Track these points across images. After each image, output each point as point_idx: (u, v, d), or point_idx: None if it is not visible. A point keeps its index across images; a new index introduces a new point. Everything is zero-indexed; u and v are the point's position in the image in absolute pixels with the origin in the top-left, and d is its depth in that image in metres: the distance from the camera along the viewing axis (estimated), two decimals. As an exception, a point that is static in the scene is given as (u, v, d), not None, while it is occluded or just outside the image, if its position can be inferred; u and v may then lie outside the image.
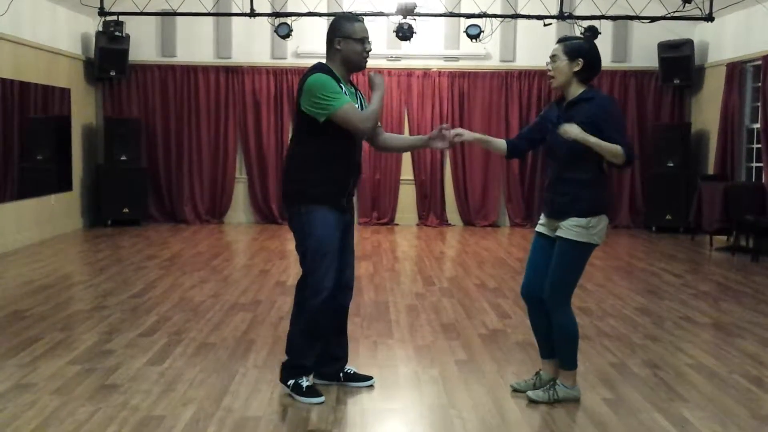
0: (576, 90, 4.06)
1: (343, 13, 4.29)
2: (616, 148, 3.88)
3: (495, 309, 6.38)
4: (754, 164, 10.38)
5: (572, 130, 3.88)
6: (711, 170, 10.96)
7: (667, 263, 8.80)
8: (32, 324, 5.65)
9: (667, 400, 4.21)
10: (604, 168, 4.06)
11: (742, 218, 9.26)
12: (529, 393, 4.16)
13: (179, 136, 11.92)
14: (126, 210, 11.36)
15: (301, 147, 4.17)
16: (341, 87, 4.07)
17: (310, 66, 4.19)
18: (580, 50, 4.02)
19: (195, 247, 9.61)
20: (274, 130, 11.95)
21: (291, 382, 4.17)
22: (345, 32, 4.11)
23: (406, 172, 12.08)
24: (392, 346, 5.23)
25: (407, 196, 12.13)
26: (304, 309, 4.15)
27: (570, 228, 3.99)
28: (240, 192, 12.17)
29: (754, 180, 10.31)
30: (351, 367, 4.45)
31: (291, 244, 10.15)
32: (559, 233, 4.05)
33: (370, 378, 4.43)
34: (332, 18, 4.18)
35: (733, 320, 6.08)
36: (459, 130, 4.28)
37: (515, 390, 4.28)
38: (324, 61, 4.16)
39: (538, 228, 4.25)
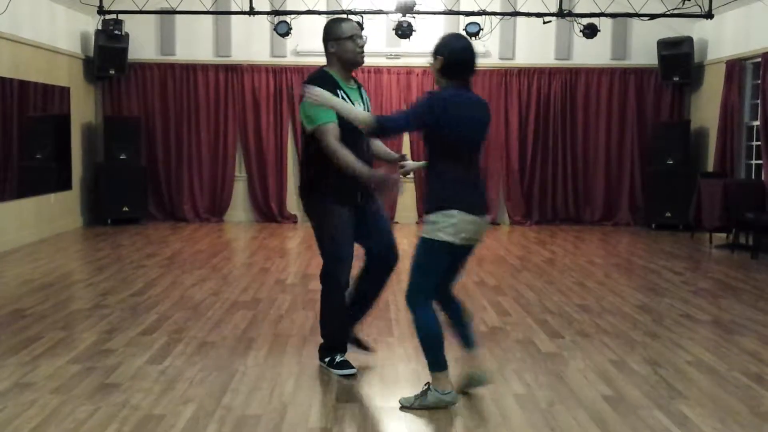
0: (443, 87, 4.05)
1: (333, 16, 4.47)
2: (366, 115, 3.98)
3: (494, 307, 6.38)
4: (754, 161, 10.38)
5: (313, 92, 4.00)
6: (711, 167, 10.96)
7: (667, 260, 8.80)
8: (32, 323, 5.66)
9: (667, 398, 4.21)
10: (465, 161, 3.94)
11: (742, 215, 9.26)
12: (401, 399, 4.06)
13: (179, 134, 11.92)
14: (126, 208, 11.37)
15: (309, 146, 4.38)
16: (339, 92, 4.23)
17: (313, 70, 4.34)
18: (439, 48, 4.03)
19: (195, 246, 9.61)
20: (274, 128, 11.94)
21: (326, 359, 4.60)
22: (335, 34, 4.36)
23: (406, 170, 12.05)
24: (392, 345, 5.23)
25: (407, 194, 12.11)
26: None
27: (424, 223, 4.00)
28: (240, 190, 12.17)
29: (753, 177, 10.31)
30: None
31: (291, 242, 10.20)
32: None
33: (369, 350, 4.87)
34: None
35: (733, 317, 6.08)
36: (406, 164, 4.56)
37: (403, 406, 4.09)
38: (325, 64, 4.40)
39: None
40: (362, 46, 4.34)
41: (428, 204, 3.97)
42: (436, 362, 3.99)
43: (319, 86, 4.07)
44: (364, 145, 4.36)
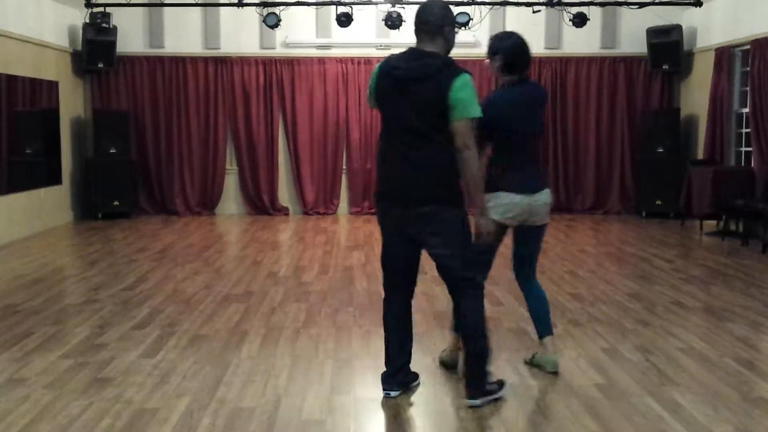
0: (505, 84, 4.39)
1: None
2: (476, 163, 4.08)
3: (488, 297, 6.31)
4: (743, 149, 10.42)
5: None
6: (700, 155, 11.00)
7: (658, 248, 8.84)
8: (24, 318, 5.64)
9: (658, 385, 4.24)
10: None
11: (732, 203, 9.30)
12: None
13: (169, 127, 11.88)
14: (116, 203, 11.34)
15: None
16: None
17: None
18: (495, 48, 4.31)
19: (186, 239, 9.59)
20: (264, 120, 11.91)
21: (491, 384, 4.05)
22: (452, 19, 3.98)
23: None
24: (385, 335, 5.23)
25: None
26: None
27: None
28: (231, 183, 12.15)
29: (743, 164, 10.35)
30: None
31: (283, 235, 10.20)
32: None
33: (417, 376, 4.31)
34: (436, 3, 3.94)
35: (724, 304, 6.11)
36: None
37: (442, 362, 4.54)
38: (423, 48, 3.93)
39: None
40: None
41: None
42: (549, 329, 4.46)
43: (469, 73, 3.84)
44: None
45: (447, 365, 4.51)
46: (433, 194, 3.82)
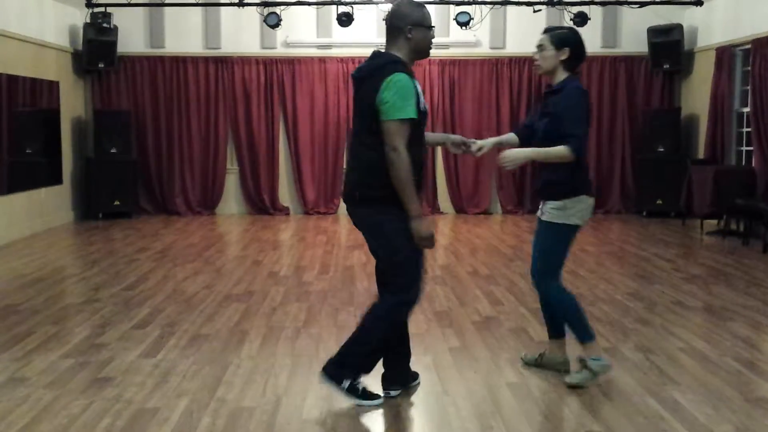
0: (560, 78, 4.20)
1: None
2: (560, 150, 4.00)
3: (488, 296, 6.40)
4: (744, 148, 10.41)
5: (512, 159, 4.04)
6: (701, 154, 10.99)
7: (658, 248, 8.83)
8: (25, 318, 5.64)
9: (659, 384, 4.23)
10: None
11: (733, 202, 9.29)
12: (567, 379, 4.20)
13: (169, 127, 11.88)
14: (117, 202, 11.34)
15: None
16: (417, 84, 3.79)
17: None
18: (567, 40, 4.17)
19: (187, 239, 9.59)
20: (265, 120, 11.91)
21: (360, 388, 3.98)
22: (418, 20, 3.84)
23: (398, 160, 12.04)
24: (385, 335, 5.23)
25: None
26: None
27: (548, 211, 4.16)
28: (231, 183, 12.15)
29: (744, 164, 10.35)
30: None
31: (283, 235, 10.20)
32: (539, 215, 4.24)
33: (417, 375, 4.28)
34: (403, 3, 3.89)
35: (725, 304, 6.11)
36: (479, 143, 4.23)
37: (524, 362, 4.52)
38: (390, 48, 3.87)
39: (538, 212, 4.39)
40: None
41: (551, 191, 4.13)
42: (586, 332, 4.20)
43: (408, 73, 3.73)
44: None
45: (545, 367, 4.44)
46: (361, 195, 3.84)
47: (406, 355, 4.16)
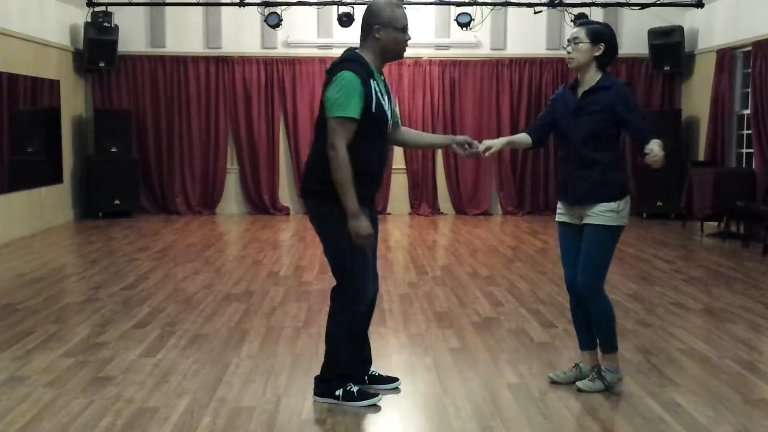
0: (593, 75, 4.02)
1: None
2: (661, 144, 3.83)
3: (487, 297, 6.40)
4: (744, 150, 10.42)
5: (660, 156, 3.77)
6: (701, 156, 10.99)
7: (659, 249, 8.84)
8: (25, 317, 5.64)
9: (659, 386, 4.23)
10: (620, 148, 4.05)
11: (733, 204, 9.30)
12: (579, 384, 4.12)
13: (170, 127, 11.89)
14: (117, 202, 11.34)
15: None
16: (373, 82, 3.73)
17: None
18: (603, 35, 4.00)
19: (187, 239, 9.60)
20: (265, 120, 11.92)
21: (338, 392, 3.96)
22: (387, 20, 3.76)
23: (398, 161, 12.07)
24: (385, 335, 5.24)
25: (399, 186, 12.13)
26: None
27: (600, 213, 3.96)
28: (231, 183, 12.15)
29: (744, 166, 10.35)
30: (375, 369, 4.28)
31: (283, 234, 10.20)
32: (588, 220, 4.00)
33: (395, 380, 4.22)
34: (375, 3, 3.83)
35: (725, 305, 6.11)
36: (487, 143, 4.04)
37: (554, 382, 4.24)
38: (357, 49, 3.85)
39: (560, 218, 4.19)
40: (408, 40, 3.85)
41: (603, 193, 3.96)
42: (612, 343, 4.14)
43: (356, 72, 3.67)
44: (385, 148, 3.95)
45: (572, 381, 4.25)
46: (308, 188, 3.88)
47: (363, 362, 4.12)
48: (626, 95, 3.97)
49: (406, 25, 3.82)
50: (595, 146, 3.95)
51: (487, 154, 4.02)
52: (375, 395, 3.98)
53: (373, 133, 3.77)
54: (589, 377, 4.15)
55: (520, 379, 4.33)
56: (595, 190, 3.97)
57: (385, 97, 3.84)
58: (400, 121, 4.12)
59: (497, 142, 4.09)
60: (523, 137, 4.25)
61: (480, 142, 4.05)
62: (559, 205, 4.22)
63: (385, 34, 3.77)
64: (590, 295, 4.07)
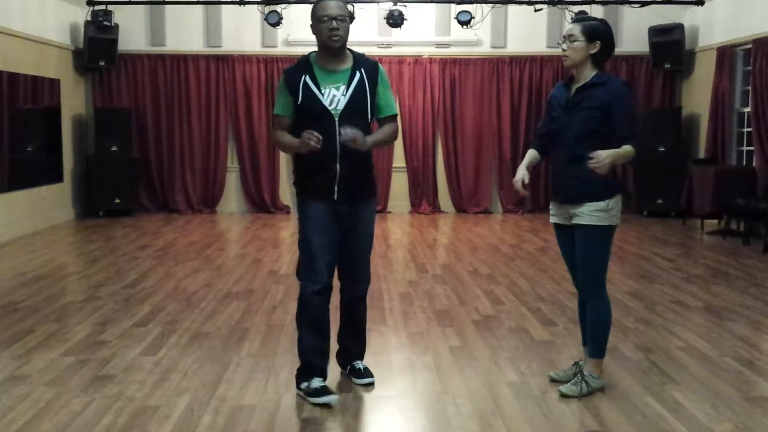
0: (588, 73, 3.97)
1: None
2: (628, 150, 3.82)
3: (488, 295, 6.40)
4: (745, 148, 10.42)
5: (604, 163, 3.72)
6: (702, 154, 10.99)
7: (659, 247, 8.84)
8: (25, 315, 5.65)
9: (659, 384, 4.23)
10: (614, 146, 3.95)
11: (733, 202, 9.30)
12: (561, 388, 4.08)
13: (170, 125, 11.89)
14: (118, 200, 11.34)
15: None
16: (305, 76, 3.94)
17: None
18: (598, 32, 3.94)
19: (188, 237, 9.60)
20: (266, 118, 11.91)
21: (303, 384, 4.00)
22: (312, 15, 3.99)
23: (398, 159, 12.07)
24: (386, 334, 5.24)
25: (399, 184, 12.13)
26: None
27: (589, 213, 3.92)
28: (232, 181, 12.15)
29: (744, 163, 10.35)
30: (362, 363, 4.31)
31: (283, 233, 10.20)
32: (577, 220, 3.97)
33: (370, 377, 4.25)
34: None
35: (725, 303, 6.11)
36: (522, 178, 4.04)
37: (553, 380, 4.23)
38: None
39: (552, 219, 4.17)
40: (334, 30, 3.89)
41: (593, 191, 3.91)
42: (602, 348, 4.11)
43: (286, 73, 4.06)
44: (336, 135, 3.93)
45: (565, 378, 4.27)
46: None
47: (322, 355, 4.08)
48: (622, 93, 3.91)
49: (329, 14, 3.91)
50: (588, 144, 3.86)
51: (526, 190, 4.12)
52: (331, 395, 3.93)
53: (307, 123, 3.93)
54: (572, 381, 4.09)
55: (520, 378, 4.34)
56: (584, 189, 3.92)
57: (329, 90, 3.95)
58: (385, 114, 4.12)
59: (524, 173, 4.07)
60: (533, 155, 4.18)
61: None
62: (551, 205, 4.19)
63: (314, 29, 3.99)
64: (591, 296, 4.06)
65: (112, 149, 11.27)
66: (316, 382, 3.96)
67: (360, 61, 4.06)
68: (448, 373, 4.42)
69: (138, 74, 11.81)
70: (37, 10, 10.12)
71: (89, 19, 10.85)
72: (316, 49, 4.07)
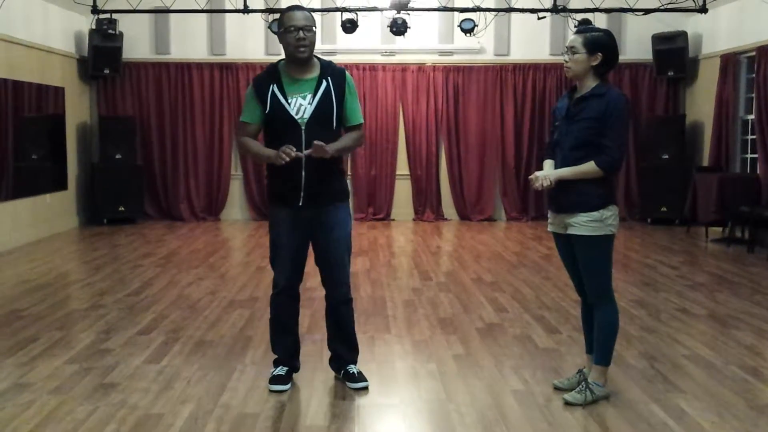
0: (590, 83, 3.95)
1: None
2: (590, 167, 3.85)
3: (492, 303, 6.39)
4: (749, 155, 10.41)
5: (544, 179, 3.90)
6: (706, 162, 10.98)
7: (663, 255, 8.82)
8: (29, 323, 5.65)
9: (664, 392, 4.22)
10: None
11: (737, 209, 9.28)
12: (566, 396, 4.07)
13: (174, 133, 11.91)
14: (122, 208, 11.35)
15: None
16: (272, 86, 4.05)
17: None
18: (600, 44, 3.92)
19: (191, 245, 9.61)
20: (269, 126, 11.93)
21: (271, 371, 4.35)
22: (280, 25, 4.09)
23: (402, 167, 12.07)
24: (389, 342, 5.24)
25: (403, 192, 12.13)
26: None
27: (584, 224, 3.91)
28: (236, 189, 12.16)
29: (748, 171, 10.34)
30: (355, 367, 4.34)
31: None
32: (571, 231, 3.97)
33: (364, 381, 4.28)
34: None
35: (729, 311, 6.10)
36: (546, 179, 3.97)
37: (557, 388, 4.22)
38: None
39: (550, 227, 4.16)
40: (300, 39, 3.96)
41: (585, 203, 3.90)
42: (608, 355, 4.10)
43: (254, 81, 4.15)
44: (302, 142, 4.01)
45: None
46: None
47: (291, 354, 4.40)
48: (617, 106, 3.87)
49: (295, 25, 3.99)
50: (583, 154, 3.88)
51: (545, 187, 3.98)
52: (285, 383, 4.23)
53: (275, 131, 4.08)
54: (577, 389, 4.08)
55: (524, 386, 4.33)
56: (577, 199, 3.92)
57: (295, 99, 4.04)
58: (351, 123, 4.19)
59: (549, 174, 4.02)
60: (551, 164, 4.11)
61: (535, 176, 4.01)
62: (549, 214, 4.20)
63: (281, 38, 4.08)
64: (599, 302, 4.05)
65: (117, 157, 11.30)
66: (279, 371, 4.30)
67: (327, 69, 4.13)
68: (452, 381, 4.42)
69: (142, 82, 11.85)
70: (41, 18, 10.15)
71: (94, 27, 10.88)
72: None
